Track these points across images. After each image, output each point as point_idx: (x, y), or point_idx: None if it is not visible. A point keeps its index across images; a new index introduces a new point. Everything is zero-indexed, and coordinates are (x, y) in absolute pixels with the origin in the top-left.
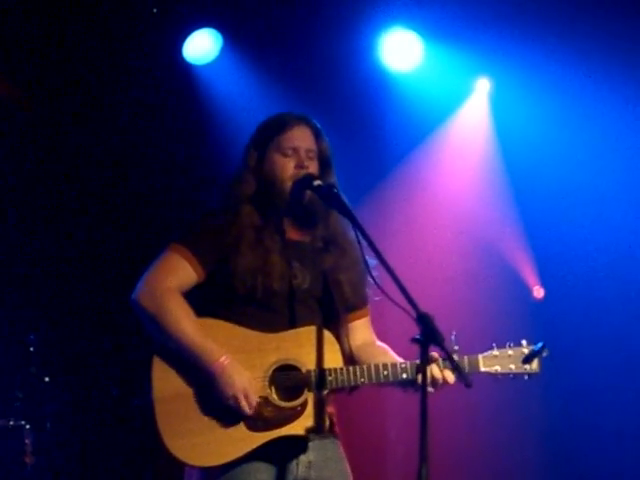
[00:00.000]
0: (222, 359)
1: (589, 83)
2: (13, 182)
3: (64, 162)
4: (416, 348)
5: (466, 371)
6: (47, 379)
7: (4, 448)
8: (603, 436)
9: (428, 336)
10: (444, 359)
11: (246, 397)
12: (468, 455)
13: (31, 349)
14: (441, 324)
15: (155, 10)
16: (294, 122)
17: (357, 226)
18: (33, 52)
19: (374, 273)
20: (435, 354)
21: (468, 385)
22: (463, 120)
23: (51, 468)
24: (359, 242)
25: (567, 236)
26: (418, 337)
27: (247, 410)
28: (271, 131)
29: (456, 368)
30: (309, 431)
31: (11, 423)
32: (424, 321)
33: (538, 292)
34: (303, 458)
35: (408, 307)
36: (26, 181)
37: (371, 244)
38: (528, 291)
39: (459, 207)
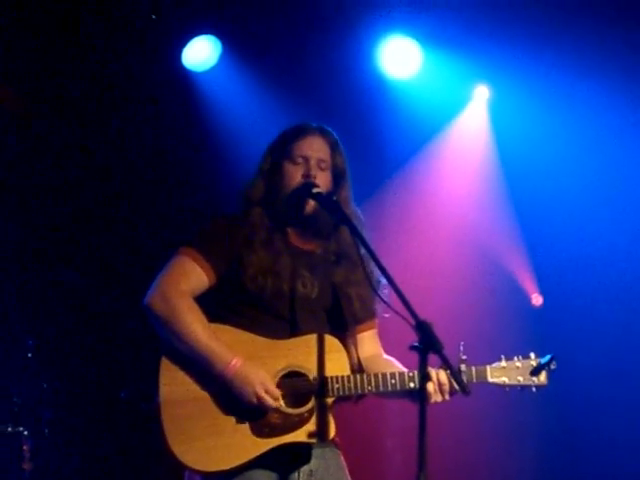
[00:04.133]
0: (234, 361)
1: (587, 89)
2: (13, 182)
3: (62, 166)
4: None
5: (474, 381)
6: (45, 385)
7: (2, 454)
8: (600, 444)
9: (427, 344)
10: (445, 367)
11: (267, 390)
12: (466, 463)
13: (29, 355)
14: (438, 332)
15: (154, 17)
16: (309, 131)
17: (356, 235)
18: (32, 57)
19: (383, 291)
20: None
21: (466, 393)
22: (462, 127)
23: (49, 474)
24: (358, 250)
25: (566, 243)
26: (417, 345)
27: (270, 402)
28: (286, 139)
29: (454, 375)
30: (314, 438)
31: (9, 429)
32: (423, 329)
33: (536, 299)
34: (304, 467)
35: (407, 315)
36: (25, 183)
37: (371, 252)
38: (526, 298)
39: (458, 214)
